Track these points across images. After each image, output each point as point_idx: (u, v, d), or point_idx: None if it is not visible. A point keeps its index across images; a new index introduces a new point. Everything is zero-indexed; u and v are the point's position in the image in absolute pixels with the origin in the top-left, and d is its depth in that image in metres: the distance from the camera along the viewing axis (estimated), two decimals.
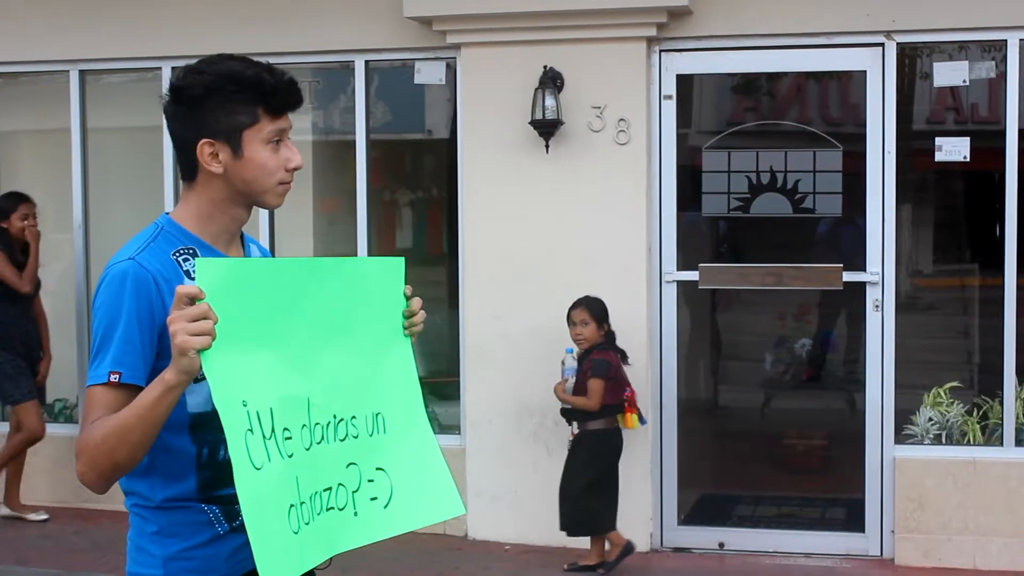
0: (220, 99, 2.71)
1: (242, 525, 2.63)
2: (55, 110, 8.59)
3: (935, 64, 7.36)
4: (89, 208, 8.49)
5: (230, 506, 2.70)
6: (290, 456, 2.62)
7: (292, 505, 2.60)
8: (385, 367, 2.90)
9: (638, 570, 7.15)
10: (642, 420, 7.05)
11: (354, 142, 8.01)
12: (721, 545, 7.47)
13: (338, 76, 8.40)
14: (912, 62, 7.76)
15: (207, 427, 2.65)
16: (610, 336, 7.05)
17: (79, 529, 7.81)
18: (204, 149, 2.72)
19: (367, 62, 7.94)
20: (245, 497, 2.50)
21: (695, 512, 7.77)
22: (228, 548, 2.75)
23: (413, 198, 10.04)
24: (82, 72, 8.47)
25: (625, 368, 7.04)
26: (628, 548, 6.99)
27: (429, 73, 7.89)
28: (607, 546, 7.01)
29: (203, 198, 2.78)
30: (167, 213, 2.83)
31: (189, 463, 2.71)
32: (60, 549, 7.51)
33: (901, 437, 7.30)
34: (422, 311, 2.92)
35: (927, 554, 7.10)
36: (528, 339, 7.47)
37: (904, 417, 7.34)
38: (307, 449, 2.66)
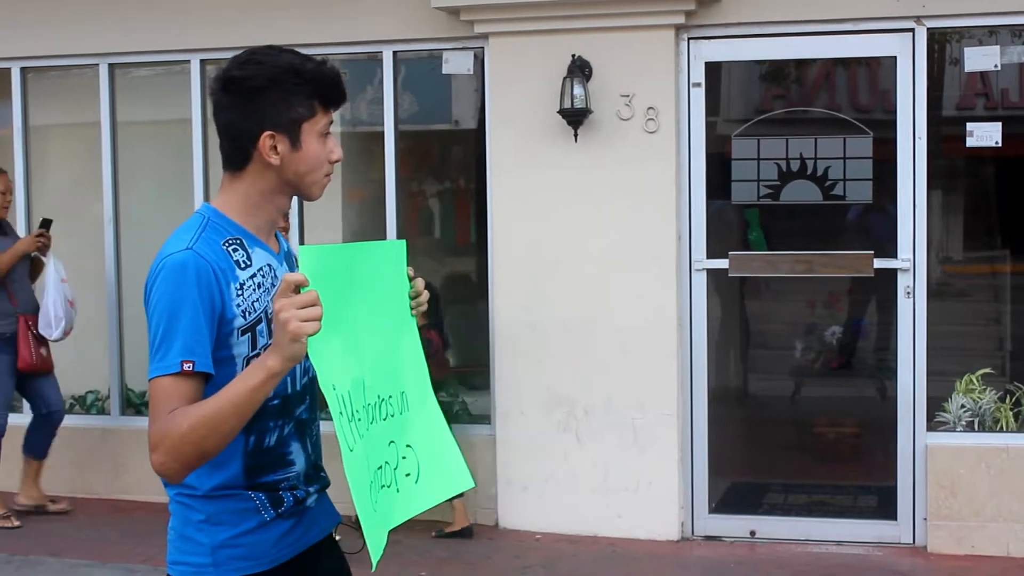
0: (282, 91, 2.74)
1: (287, 512, 2.74)
2: (85, 104, 8.62)
3: (966, 49, 7.30)
4: (119, 201, 8.52)
5: (275, 493, 2.77)
6: (362, 437, 2.68)
7: (369, 484, 2.67)
8: (402, 347, 2.96)
9: (670, 558, 7.15)
10: None
11: (383, 133, 8.02)
12: (752, 533, 7.45)
13: (366, 67, 8.40)
14: (942, 47, 7.71)
15: (256, 415, 2.66)
16: (438, 319, 7.51)
17: (111, 520, 7.85)
18: (267, 141, 2.74)
19: (395, 52, 7.95)
20: (352, 480, 2.58)
21: (726, 500, 7.75)
22: (275, 534, 2.78)
23: (441, 188, 10.05)
24: (111, 65, 8.49)
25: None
26: (467, 531, 7.38)
27: (457, 63, 7.89)
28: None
29: (253, 188, 2.80)
30: (208, 203, 2.84)
31: (237, 451, 2.73)
32: (93, 540, 7.56)
33: (933, 424, 7.26)
34: (426, 291, 2.94)
35: (960, 541, 7.07)
36: (558, 328, 7.47)
37: (936, 404, 7.29)
38: (367, 430, 2.73)
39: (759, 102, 8.78)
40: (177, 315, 2.60)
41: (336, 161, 2.86)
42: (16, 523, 7.71)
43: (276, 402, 2.76)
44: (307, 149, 2.77)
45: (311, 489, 2.84)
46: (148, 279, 2.69)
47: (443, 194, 10.04)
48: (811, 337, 9.84)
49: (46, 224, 7.82)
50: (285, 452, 2.81)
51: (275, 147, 2.75)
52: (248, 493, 2.75)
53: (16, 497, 7.92)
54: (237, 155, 2.78)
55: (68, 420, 8.19)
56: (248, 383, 2.53)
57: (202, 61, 8.21)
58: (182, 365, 2.58)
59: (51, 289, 7.74)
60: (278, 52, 2.79)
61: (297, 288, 2.49)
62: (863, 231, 8.27)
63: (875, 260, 7.24)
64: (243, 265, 2.74)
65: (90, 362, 8.21)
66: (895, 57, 7.18)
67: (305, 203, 8.01)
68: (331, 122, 2.84)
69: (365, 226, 8.94)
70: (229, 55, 7.73)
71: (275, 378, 2.53)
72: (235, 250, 2.75)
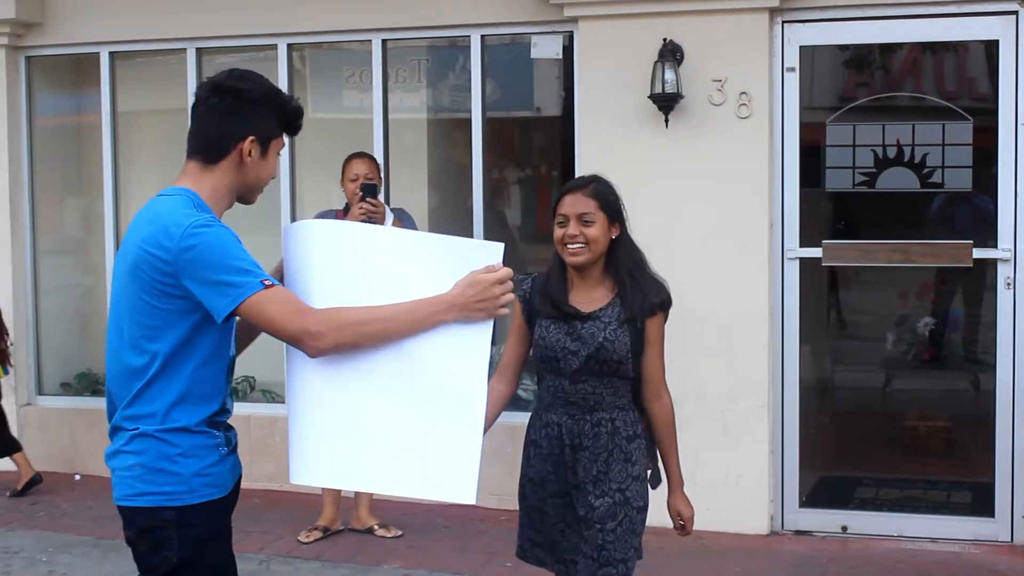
0: (265, 108, 3.34)
1: (231, 449, 3.36)
2: (173, 89, 8.63)
3: None
4: None
5: (228, 432, 3.37)
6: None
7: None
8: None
9: (760, 553, 7.03)
10: (6, 370, 8.27)
11: (469, 119, 7.93)
12: (844, 528, 7.29)
13: (449, 53, 8.33)
14: None
15: (231, 369, 3.37)
16: None
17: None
18: (249, 144, 3.31)
19: (483, 37, 7.86)
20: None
21: (816, 494, 7.60)
22: (227, 467, 3.34)
23: (524, 176, 9.95)
24: (199, 50, 8.50)
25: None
26: (35, 480, 8.14)
27: (545, 47, 7.79)
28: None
29: (220, 181, 3.33)
30: (180, 187, 3.29)
31: (220, 393, 3.31)
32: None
33: None
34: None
35: None
36: None
37: None
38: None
39: (853, 87, 8.57)
40: (239, 252, 3.14)
41: (271, 178, 3.42)
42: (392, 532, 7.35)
43: (234, 357, 3.39)
44: (268, 160, 3.38)
45: (232, 435, 3.41)
46: (177, 242, 3.11)
47: (527, 181, 9.94)
48: (903, 328, 9.63)
49: (368, 190, 6.82)
50: (229, 402, 3.38)
51: (251, 151, 3.31)
52: (213, 431, 3.29)
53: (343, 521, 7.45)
54: (216, 150, 3.30)
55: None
56: (432, 317, 3.23)
57: (289, 45, 8.20)
58: (264, 283, 3.12)
59: None
60: (262, 77, 3.37)
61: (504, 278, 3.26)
62: (958, 220, 8.05)
63: (974, 250, 7.05)
64: None
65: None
66: (997, 41, 6.98)
67: (392, 189, 7.98)
68: (283, 146, 3.44)
69: (448, 213, 8.87)
70: (315, 39, 7.65)
71: (445, 322, 3.23)
72: None
